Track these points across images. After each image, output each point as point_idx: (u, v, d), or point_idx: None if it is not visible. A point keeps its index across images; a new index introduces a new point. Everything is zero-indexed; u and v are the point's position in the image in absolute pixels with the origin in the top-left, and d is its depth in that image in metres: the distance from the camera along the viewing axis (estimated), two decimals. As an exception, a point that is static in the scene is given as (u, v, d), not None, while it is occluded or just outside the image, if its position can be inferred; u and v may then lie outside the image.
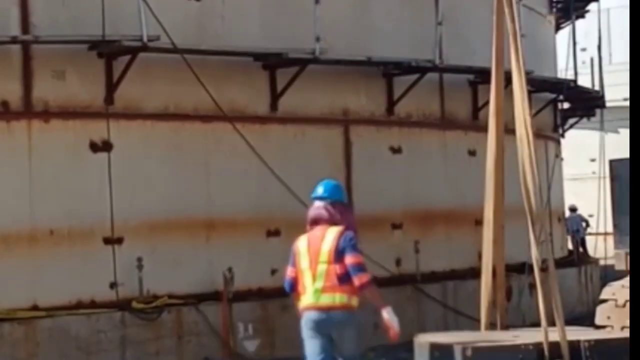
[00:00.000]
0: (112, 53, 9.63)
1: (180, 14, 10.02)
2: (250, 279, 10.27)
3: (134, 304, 9.46)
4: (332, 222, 5.97)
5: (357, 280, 5.81)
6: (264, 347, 10.14)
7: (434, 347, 6.23)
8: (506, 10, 6.62)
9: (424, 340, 6.53)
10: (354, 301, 5.95)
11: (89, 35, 9.40)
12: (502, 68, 6.82)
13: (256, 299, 10.26)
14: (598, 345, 5.97)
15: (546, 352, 5.82)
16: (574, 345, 5.88)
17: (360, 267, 5.81)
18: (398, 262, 11.66)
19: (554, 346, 5.86)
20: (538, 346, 5.87)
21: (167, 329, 9.63)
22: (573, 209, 19.53)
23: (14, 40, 9.20)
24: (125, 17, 9.51)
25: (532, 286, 12.48)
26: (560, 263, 13.89)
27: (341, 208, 6.02)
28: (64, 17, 9.46)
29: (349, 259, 5.81)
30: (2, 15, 9.27)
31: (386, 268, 11.26)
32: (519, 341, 6.03)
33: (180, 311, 9.71)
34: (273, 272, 10.54)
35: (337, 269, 5.81)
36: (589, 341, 5.99)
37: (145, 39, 9.32)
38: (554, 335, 5.97)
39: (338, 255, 5.84)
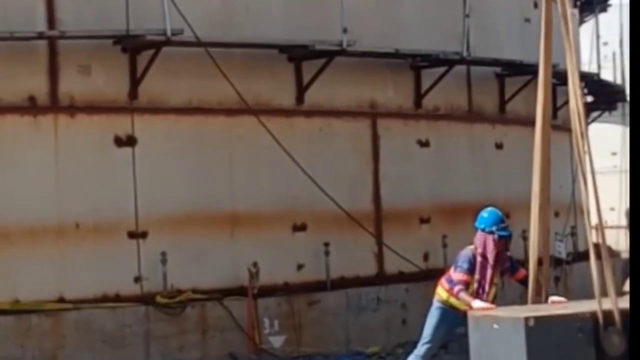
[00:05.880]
0: (136, 47, 9.64)
1: (204, 6, 9.98)
2: (275, 274, 10.23)
3: (158, 299, 9.49)
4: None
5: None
6: (290, 343, 10.10)
7: (493, 320, 6.14)
8: (559, 5, 6.47)
9: (480, 314, 6.45)
10: (445, 295, 7.67)
11: (113, 30, 9.42)
12: (550, 61, 6.69)
13: (282, 294, 10.21)
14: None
15: (600, 320, 5.81)
16: (627, 313, 5.84)
17: (452, 280, 7.62)
18: (426, 257, 11.56)
19: (608, 314, 5.86)
20: (593, 315, 5.90)
21: (191, 324, 9.64)
22: None
23: (40, 36, 9.25)
24: (149, 11, 9.50)
25: (557, 279, 12.41)
26: (585, 256, 13.68)
27: (478, 234, 7.65)
28: (89, 13, 9.49)
29: (451, 272, 7.72)
30: (28, 11, 9.33)
31: (414, 263, 11.17)
32: (576, 310, 6.06)
33: (205, 306, 9.71)
34: (299, 267, 10.52)
35: (451, 272, 7.68)
36: None
37: (169, 33, 9.30)
38: (606, 304, 5.90)
39: (453, 265, 7.71)
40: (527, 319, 5.80)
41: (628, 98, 6.40)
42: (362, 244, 11.00)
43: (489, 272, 7.49)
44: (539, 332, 5.80)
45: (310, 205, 10.53)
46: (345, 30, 10.36)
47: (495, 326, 6.05)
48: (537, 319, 5.84)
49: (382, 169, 11.30)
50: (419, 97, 11.67)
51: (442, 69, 11.54)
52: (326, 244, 10.58)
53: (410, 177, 11.50)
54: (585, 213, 6.36)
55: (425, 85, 11.64)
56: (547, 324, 5.84)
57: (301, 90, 10.72)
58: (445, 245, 11.55)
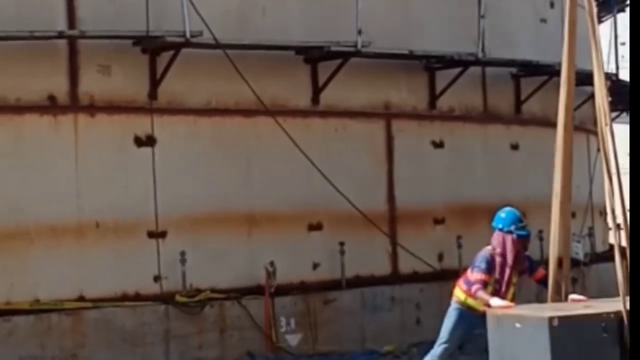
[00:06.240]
0: (156, 49, 9.71)
1: (221, 8, 10.04)
2: (292, 273, 10.31)
3: (178, 298, 9.56)
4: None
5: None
6: (306, 341, 10.18)
7: (515, 319, 6.10)
8: (586, 3, 6.51)
9: (501, 313, 6.41)
10: (462, 296, 7.66)
11: (133, 31, 9.48)
12: (574, 58, 6.73)
13: (298, 293, 10.30)
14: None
15: (625, 320, 5.81)
16: None
17: (469, 281, 7.56)
18: (440, 257, 11.62)
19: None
20: (618, 314, 5.89)
21: (210, 323, 9.72)
22: None
23: (60, 35, 9.29)
24: (168, 12, 9.56)
25: (575, 280, 12.47)
26: (602, 257, 13.75)
27: (496, 234, 7.64)
28: (109, 13, 9.54)
29: (469, 273, 7.69)
30: (49, 10, 9.38)
31: (428, 263, 11.24)
32: (598, 309, 6.04)
33: (223, 305, 9.80)
34: (315, 266, 10.60)
35: (468, 273, 7.66)
36: None
37: (188, 34, 9.36)
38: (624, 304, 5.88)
39: (471, 266, 7.68)
40: (551, 318, 5.76)
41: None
42: (377, 243, 11.08)
43: (507, 272, 7.50)
44: (563, 331, 5.75)
45: (326, 205, 10.60)
46: (360, 32, 10.42)
47: (518, 325, 6.00)
48: (561, 318, 5.80)
49: (397, 169, 11.36)
50: (433, 98, 11.73)
51: (457, 70, 11.59)
52: (341, 244, 10.66)
53: (424, 178, 11.56)
54: (609, 212, 6.35)
55: (439, 87, 11.69)
56: (571, 323, 5.81)
57: (317, 91, 10.79)
58: (460, 246, 11.59)
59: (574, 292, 7.24)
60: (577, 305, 6.58)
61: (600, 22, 16.54)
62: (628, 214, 6.12)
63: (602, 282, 12.37)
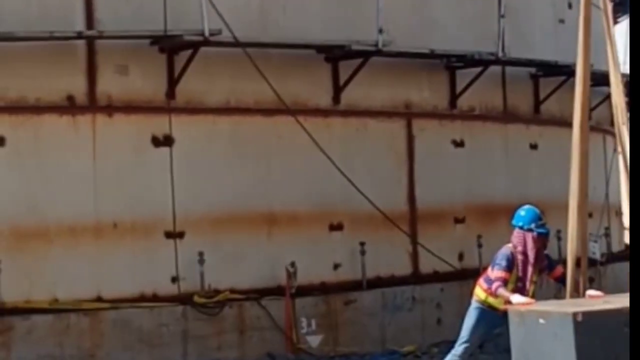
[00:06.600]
0: (174, 48, 9.67)
1: (241, 6, 10.00)
2: (312, 274, 10.24)
3: (196, 298, 9.51)
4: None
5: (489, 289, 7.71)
6: (327, 342, 10.11)
7: (539, 315, 6.12)
8: (600, 1, 6.45)
9: (525, 309, 6.39)
10: (483, 295, 7.63)
11: (151, 31, 9.45)
12: (589, 60, 6.66)
13: (319, 294, 10.23)
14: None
15: None
16: None
17: (490, 280, 7.56)
18: (461, 257, 11.55)
19: None
20: None
21: (229, 324, 9.67)
22: None
23: (79, 36, 9.30)
24: (187, 11, 9.53)
25: (591, 280, 12.37)
26: (618, 257, 13.64)
27: (516, 232, 7.64)
28: (127, 13, 9.53)
29: (489, 271, 7.70)
30: (67, 11, 9.40)
31: (449, 262, 11.13)
32: (617, 304, 6.09)
33: (242, 306, 9.75)
34: (336, 266, 10.52)
35: (489, 271, 7.66)
36: None
37: (207, 33, 9.31)
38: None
39: (491, 264, 7.68)
40: (575, 313, 5.82)
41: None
42: (397, 243, 11.01)
43: (530, 269, 7.52)
44: (586, 326, 5.82)
45: (346, 204, 10.54)
46: (381, 31, 10.35)
47: (542, 321, 6.06)
48: (585, 313, 5.86)
49: (417, 168, 11.29)
50: (454, 97, 11.66)
51: (477, 70, 11.53)
52: (362, 244, 10.58)
53: (445, 177, 11.49)
54: (626, 210, 6.28)
55: (460, 86, 11.62)
56: (594, 318, 5.88)
57: (337, 90, 10.72)
58: (480, 245, 11.52)
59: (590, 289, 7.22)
60: (597, 301, 6.63)
61: (616, 22, 16.40)
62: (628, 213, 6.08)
63: (619, 282, 12.26)
